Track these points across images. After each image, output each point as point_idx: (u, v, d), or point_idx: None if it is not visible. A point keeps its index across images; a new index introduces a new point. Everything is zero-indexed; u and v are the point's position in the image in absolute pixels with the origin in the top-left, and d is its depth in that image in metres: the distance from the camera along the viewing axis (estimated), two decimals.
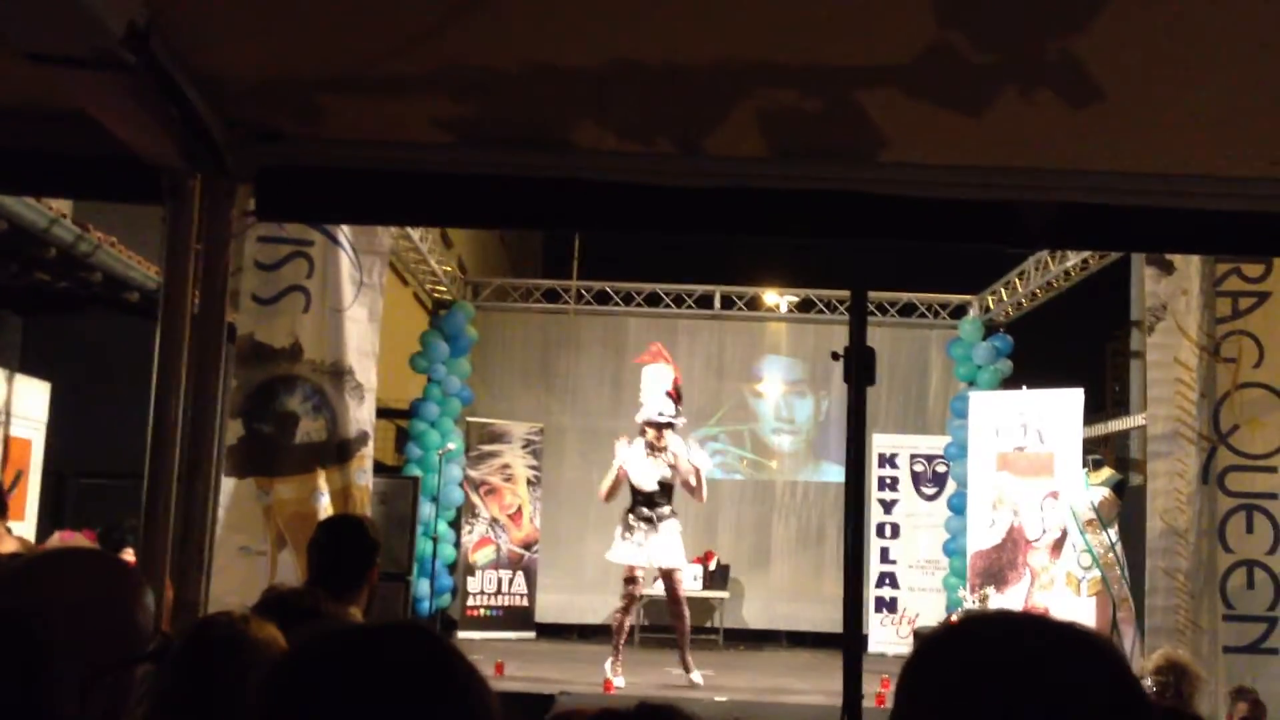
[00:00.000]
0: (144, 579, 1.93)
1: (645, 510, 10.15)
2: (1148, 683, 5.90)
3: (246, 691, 1.92)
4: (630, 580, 10.17)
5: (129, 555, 6.66)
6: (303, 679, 1.26)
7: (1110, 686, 1.11)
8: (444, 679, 1.29)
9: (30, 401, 8.43)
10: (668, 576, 10.13)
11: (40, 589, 1.84)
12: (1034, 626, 1.18)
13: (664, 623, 14.10)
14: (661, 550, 10.07)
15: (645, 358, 11.08)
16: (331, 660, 1.27)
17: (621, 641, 10.28)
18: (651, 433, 10.27)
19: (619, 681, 9.94)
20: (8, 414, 8.15)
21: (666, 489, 10.22)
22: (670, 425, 10.27)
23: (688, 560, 10.35)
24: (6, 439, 8.16)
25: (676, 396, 10.44)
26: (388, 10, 2.83)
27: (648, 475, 10.17)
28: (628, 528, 10.19)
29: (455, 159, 3.48)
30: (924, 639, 1.21)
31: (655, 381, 10.62)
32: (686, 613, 10.13)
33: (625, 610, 10.32)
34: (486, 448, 14.04)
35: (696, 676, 10.06)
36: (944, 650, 1.18)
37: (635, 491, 10.22)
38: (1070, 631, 1.15)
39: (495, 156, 3.49)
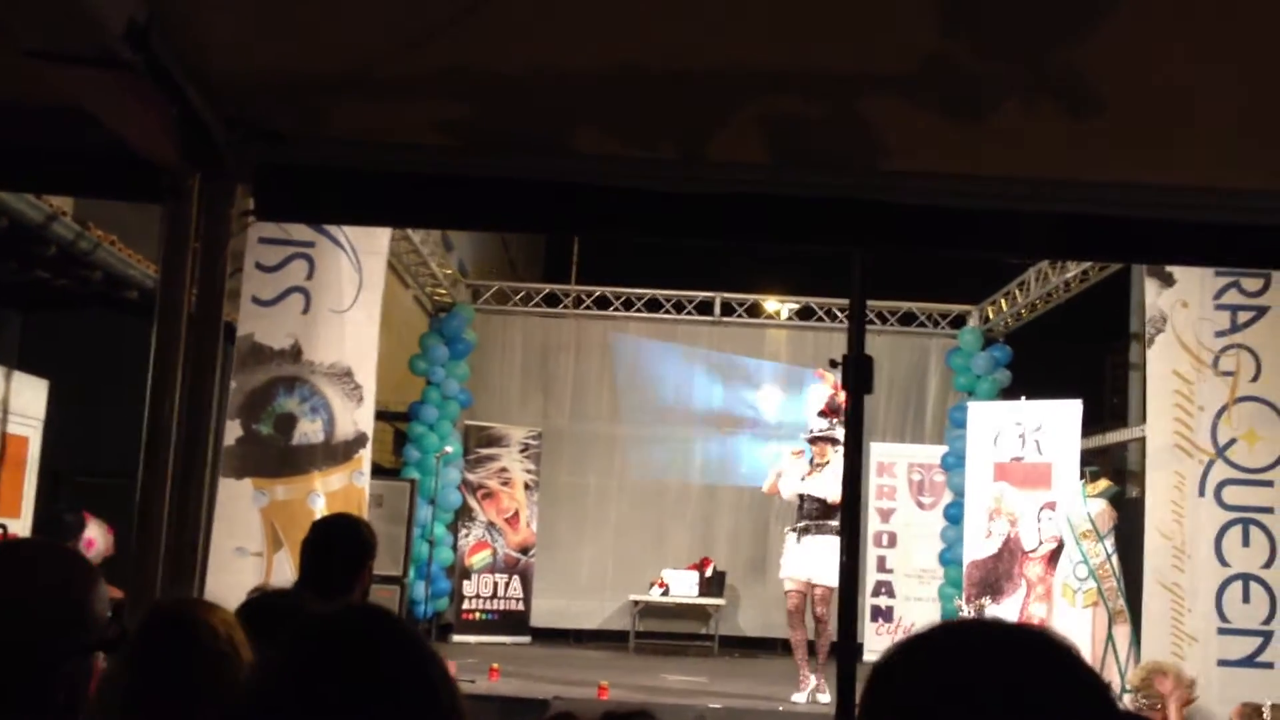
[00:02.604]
0: (97, 570, 1.92)
1: (795, 521, 10.48)
2: (1137, 698, 5.89)
3: (198, 676, 1.93)
4: (790, 594, 10.35)
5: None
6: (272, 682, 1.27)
7: (1071, 693, 1.10)
8: (399, 663, 1.28)
9: (28, 399, 8.42)
10: (810, 589, 10.21)
11: None
12: (992, 635, 1.17)
13: (661, 629, 14.13)
14: (807, 563, 10.21)
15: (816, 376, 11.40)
16: (296, 657, 1.27)
17: (800, 655, 10.28)
18: (812, 447, 10.55)
19: (796, 697, 10.03)
20: (5, 411, 8.14)
21: (817, 504, 10.32)
22: (826, 440, 10.44)
23: (793, 572, 10.34)
24: (3, 436, 8.15)
25: (830, 411, 10.56)
26: (389, 12, 2.82)
27: (787, 486, 10.52)
28: (786, 538, 10.53)
29: (456, 161, 3.47)
30: (886, 651, 1.20)
31: (814, 399, 10.93)
32: (829, 629, 9.97)
33: (789, 625, 10.43)
34: (484, 451, 14.03)
35: (821, 697, 9.99)
36: (901, 663, 1.17)
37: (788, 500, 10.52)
38: (1030, 638, 1.15)
39: (496, 159, 3.48)
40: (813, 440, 10.58)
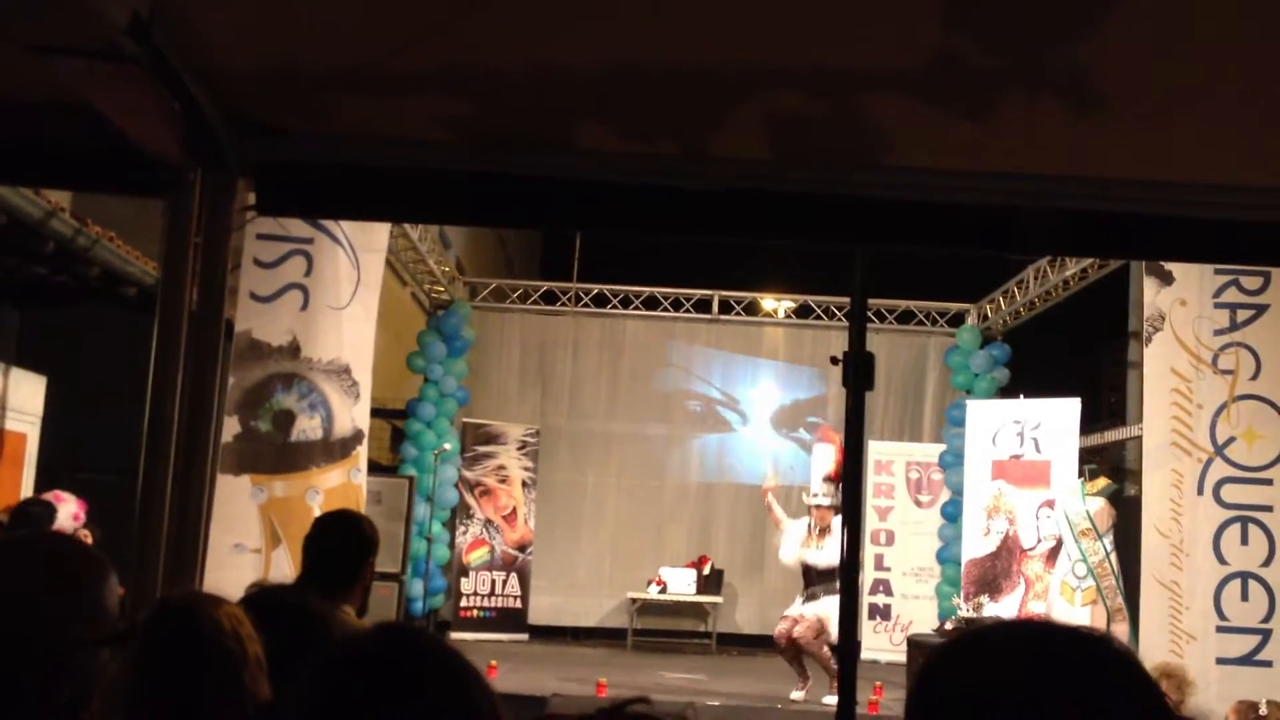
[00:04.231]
0: (109, 563, 1.91)
1: (804, 589, 10.34)
2: None
3: (202, 672, 1.93)
4: (784, 619, 10.32)
5: None
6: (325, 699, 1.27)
7: (1125, 694, 1.08)
8: (446, 682, 1.28)
9: (25, 395, 8.41)
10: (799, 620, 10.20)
11: (4, 573, 1.84)
12: (1040, 636, 1.14)
13: (659, 627, 14.14)
14: (804, 606, 10.20)
15: (816, 438, 11.21)
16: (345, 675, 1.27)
17: (800, 669, 10.27)
18: (814, 514, 10.40)
19: (796, 694, 10.08)
20: (3, 407, 8.13)
21: (822, 572, 10.17)
22: (834, 509, 10.22)
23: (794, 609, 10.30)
24: (1, 432, 8.14)
25: (837, 477, 10.29)
26: (391, 8, 2.82)
27: (787, 551, 10.43)
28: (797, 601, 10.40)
29: (456, 157, 3.47)
30: (927, 656, 1.17)
31: (817, 462, 10.76)
32: (819, 651, 10.02)
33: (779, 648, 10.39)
34: (482, 449, 14.03)
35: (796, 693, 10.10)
36: (951, 668, 1.15)
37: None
38: (1079, 638, 1.12)
39: (496, 155, 3.47)
40: (817, 506, 10.43)
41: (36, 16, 2.47)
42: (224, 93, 3.15)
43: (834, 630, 9.64)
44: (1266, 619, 7.79)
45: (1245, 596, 7.83)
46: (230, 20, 2.85)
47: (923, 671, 1.15)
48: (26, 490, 8.31)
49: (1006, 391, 13.53)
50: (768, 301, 15.55)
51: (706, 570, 14.22)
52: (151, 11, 2.57)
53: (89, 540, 6.52)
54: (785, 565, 10.65)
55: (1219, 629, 7.81)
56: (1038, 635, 1.14)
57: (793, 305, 15.37)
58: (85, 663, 1.82)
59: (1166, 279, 8.31)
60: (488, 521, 13.99)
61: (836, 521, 10.07)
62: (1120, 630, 9.71)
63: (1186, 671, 6.01)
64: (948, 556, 13.27)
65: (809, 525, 10.43)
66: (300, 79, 3.13)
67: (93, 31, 2.48)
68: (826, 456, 10.61)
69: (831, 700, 9.61)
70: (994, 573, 11.87)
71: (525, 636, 13.94)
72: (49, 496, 6.58)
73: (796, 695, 10.07)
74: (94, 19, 2.44)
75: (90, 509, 6.95)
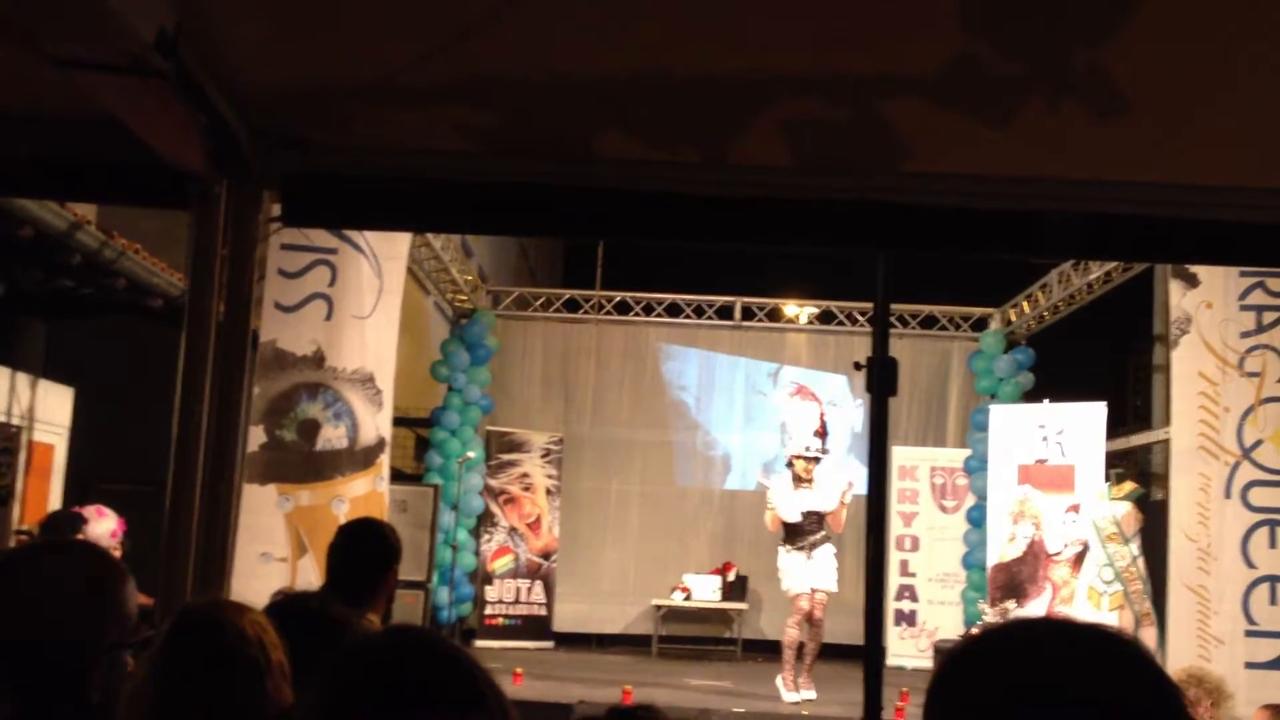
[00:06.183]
0: (127, 570, 1.94)
1: (799, 540, 10.55)
2: None
3: (226, 679, 1.94)
4: (802, 598, 10.47)
5: None
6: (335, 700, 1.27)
7: (1141, 691, 1.08)
8: (463, 688, 1.29)
9: (54, 407, 8.48)
10: (811, 596, 10.42)
11: (34, 577, 1.87)
12: (1057, 634, 1.14)
13: (684, 634, 14.12)
14: (814, 573, 10.44)
15: (792, 394, 11.48)
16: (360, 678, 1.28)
17: (792, 656, 10.40)
18: (800, 464, 10.65)
19: (792, 696, 10.19)
20: (31, 419, 8.20)
21: (816, 517, 10.54)
22: (817, 459, 10.67)
23: (807, 584, 10.49)
24: (30, 444, 8.20)
25: (823, 432, 10.79)
26: (414, 19, 2.84)
27: (792, 508, 10.58)
28: (789, 556, 10.61)
29: (479, 167, 3.48)
30: (945, 657, 1.17)
31: (803, 418, 10.95)
32: (820, 633, 10.41)
33: (797, 626, 10.47)
34: (506, 456, 14.05)
35: (806, 694, 10.24)
36: (966, 668, 1.14)
37: (786, 524, 10.61)
38: (1096, 636, 1.11)
39: (519, 165, 3.48)
40: (806, 457, 10.64)
41: (63, 32, 2.49)
42: (249, 106, 3.18)
43: (833, 584, 10.50)
44: None
45: (1274, 600, 7.78)
46: (254, 34, 2.87)
47: (939, 673, 1.15)
48: (55, 501, 8.38)
49: (1031, 396, 13.48)
50: (790, 307, 15.54)
51: (731, 577, 14.21)
52: (178, 26, 2.59)
53: (119, 555, 6.59)
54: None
55: (1247, 633, 7.76)
56: (1053, 634, 1.14)
57: (815, 311, 15.36)
58: (111, 667, 1.85)
59: (1192, 281, 8.27)
60: (512, 529, 14.01)
61: (816, 471, 10.61)
62: (1148, 635, 9.65)
63: (1223, 683, 5.94)
64: (973, 562, 13.22)
65: (792, 477, 10.68)
66: (324, 91, 3.15)
67: (120, 46, 2.51)
68: (812, 412, 10.89)
69: (793, 697, 10.09)
70: (1020, 578, 11.82)
71: (550, 644, 13.95)
72: (91, 510, 6.62)
73: (793, 697, 10.16)
74: (121, 34, 2.46)
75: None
